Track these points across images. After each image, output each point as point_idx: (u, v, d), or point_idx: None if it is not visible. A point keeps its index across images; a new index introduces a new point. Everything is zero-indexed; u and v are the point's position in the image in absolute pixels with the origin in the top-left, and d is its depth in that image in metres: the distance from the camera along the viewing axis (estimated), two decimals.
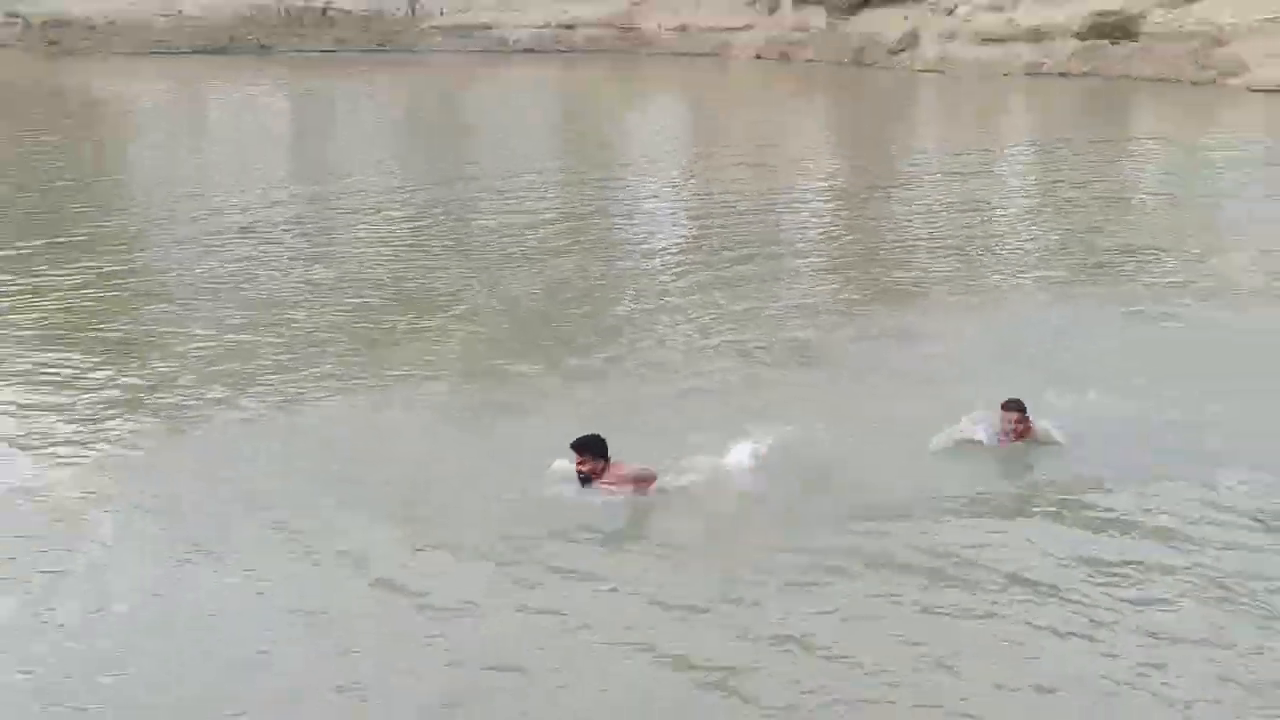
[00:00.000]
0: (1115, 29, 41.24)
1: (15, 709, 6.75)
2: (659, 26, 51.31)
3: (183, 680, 6.92)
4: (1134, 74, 39.90)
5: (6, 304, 15.73)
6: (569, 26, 52.53)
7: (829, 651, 7.04)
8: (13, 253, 18.63)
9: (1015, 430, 9.92)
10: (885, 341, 13.48)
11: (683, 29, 50.68)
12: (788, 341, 13.56)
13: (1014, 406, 9.91)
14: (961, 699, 6.52)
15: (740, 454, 9.58)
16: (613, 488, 9.18)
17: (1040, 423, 10.10)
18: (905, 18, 46.03)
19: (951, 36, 44.23)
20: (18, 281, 16.92)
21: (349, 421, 11.18)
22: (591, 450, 9.15)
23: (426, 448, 10.44)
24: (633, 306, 15.19)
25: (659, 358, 13.07)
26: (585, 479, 9.13)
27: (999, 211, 21.15)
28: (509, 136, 32.45)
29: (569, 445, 9.19)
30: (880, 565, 8.05)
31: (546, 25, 52.85)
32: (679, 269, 17.25)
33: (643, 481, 9.23)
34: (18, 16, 57.42)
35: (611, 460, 9.25)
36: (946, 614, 7.38)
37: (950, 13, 44.69)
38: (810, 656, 7.00)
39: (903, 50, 45.26)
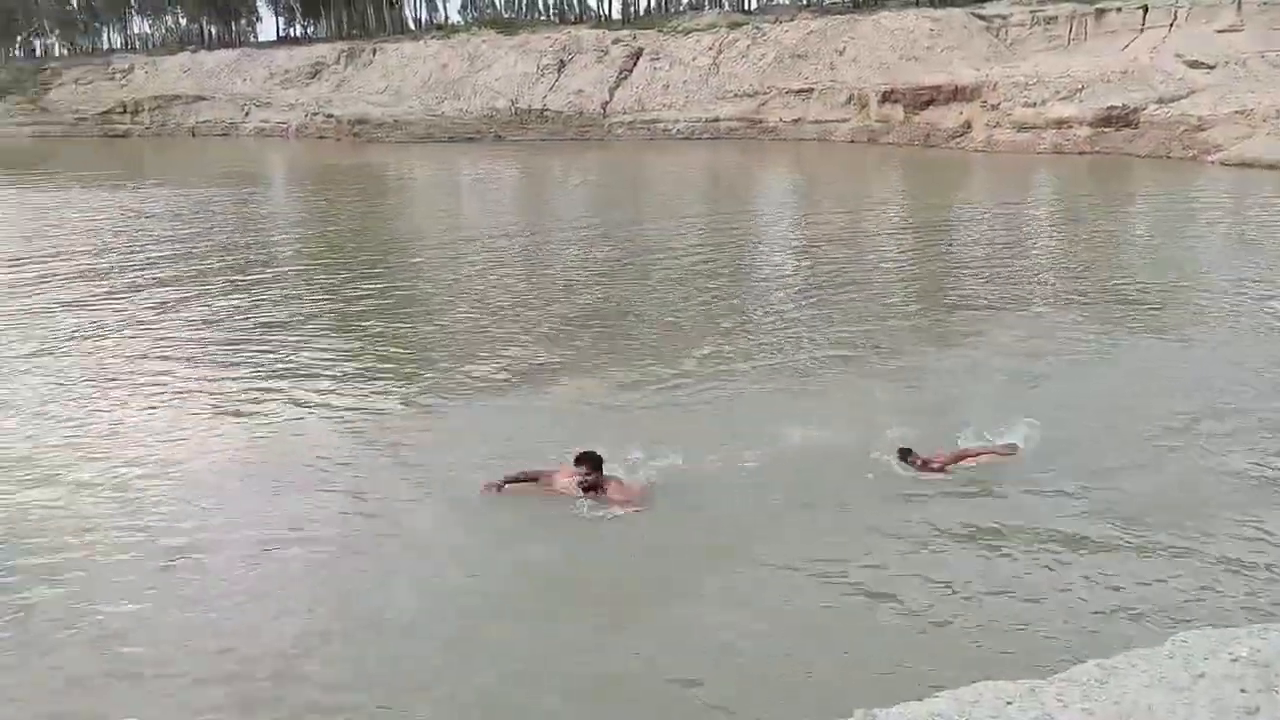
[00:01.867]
0: (1119, 119, 40.48)
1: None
2: (780, 119, 51.48)
3: None
4: (1133, 152, 38.93)
5: (318, 306, 16.65)
6: (714, 120, 53.02)
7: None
8: (323, 270, 19.69)
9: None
10: (930, 351, 12.89)
11: (797, 121, 50.85)
12: (838, 350, 12.90)
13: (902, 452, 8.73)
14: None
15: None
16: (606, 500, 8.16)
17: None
18: (960, 112, 45.62)
19: (996, 125, 43.73)
20: (329, 287, 18.11)
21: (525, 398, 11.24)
22: (590, 462, 8.24)
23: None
24: (742, 316, 14.88)
25: (743, 358, 12.60)
26: (589, 488, 8.16)
27: (1029, 247, 20.75)
28: (669, 192, 33.05)
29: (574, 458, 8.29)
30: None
31: (698, 120, 53.46)
32: (786, 288, 16.99)
33: (627, 504, 8.14)
34: (332, 116, 59.88)
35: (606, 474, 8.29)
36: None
37: (995, 108, 44.04)
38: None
39: (959, 135, 44.81)
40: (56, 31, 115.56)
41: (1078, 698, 3.13)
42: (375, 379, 12.19)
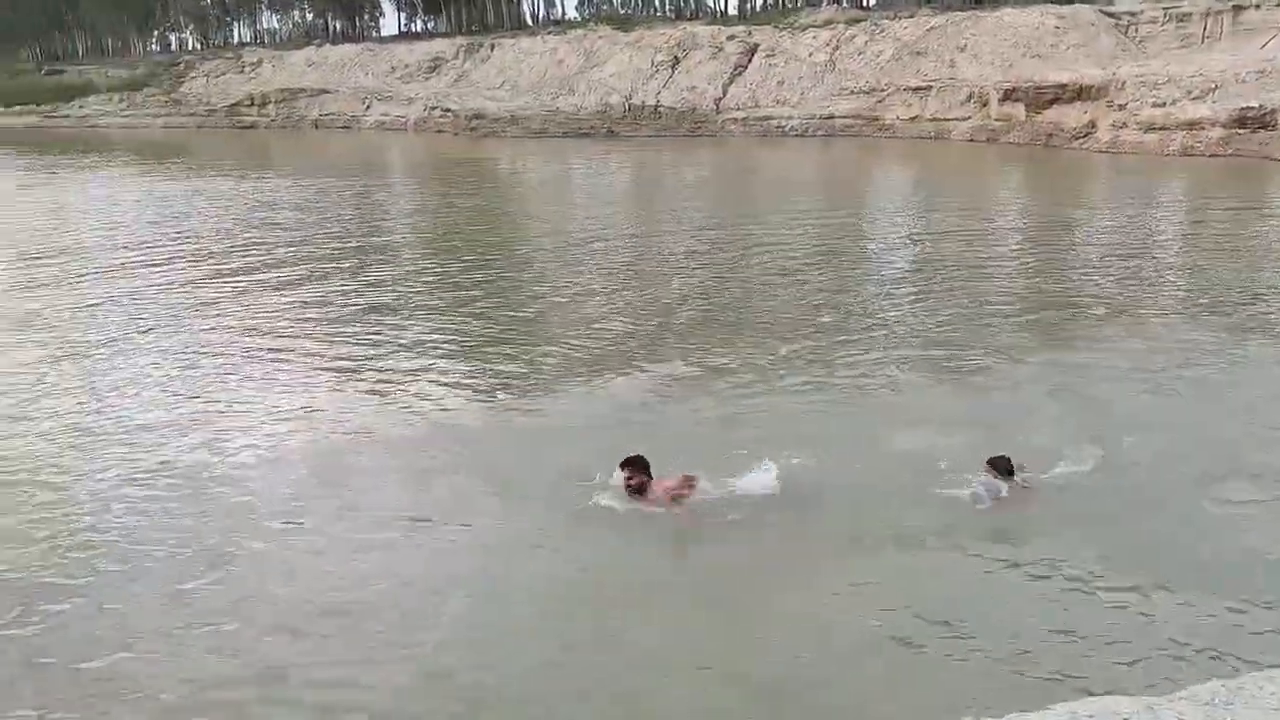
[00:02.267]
0: (1255, 120, 38.59)
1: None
2: (896, 117, 50.49)
3: None
4: (1271, 155, 37.14)
5: (440, 298, 17.18)
6: (829, 117, 52.22)
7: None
8: (437, 257, 20.00)
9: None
10: (1040, 356, 12.32)
11: (914, 119, 49.80)
12: (940, 351, 12.52)
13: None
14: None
15: (762, 477, 8.35)
16: (654, 504, 8.11)
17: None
18: (1085, 112, 44.12)
19: (1123, 125, 42.17)
20: (444, 275, 18.54)
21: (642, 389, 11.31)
22: (635, 466, 8.26)
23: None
24: (847, 313, 14.68)
25: (825, 357, 12.35)
26: (635, 491, 8.16)
27: (1152, 253, 19.65)
28: (783, 188, 32.73)
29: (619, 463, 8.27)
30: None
31: (812, 117, 52.73)
32: (892, 286, 16.77)
33: (679, 493, 8.15)
34: (450, 110, 60.81)
35: (654, 477, 8.25)
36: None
37: (1122, 108, 42.54)
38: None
39: (1083, 136, 43.36)
40: (190, 26, 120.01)
41: (1200, 718, 2.94)
42: (483, 365, 12.50)
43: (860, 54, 55.65)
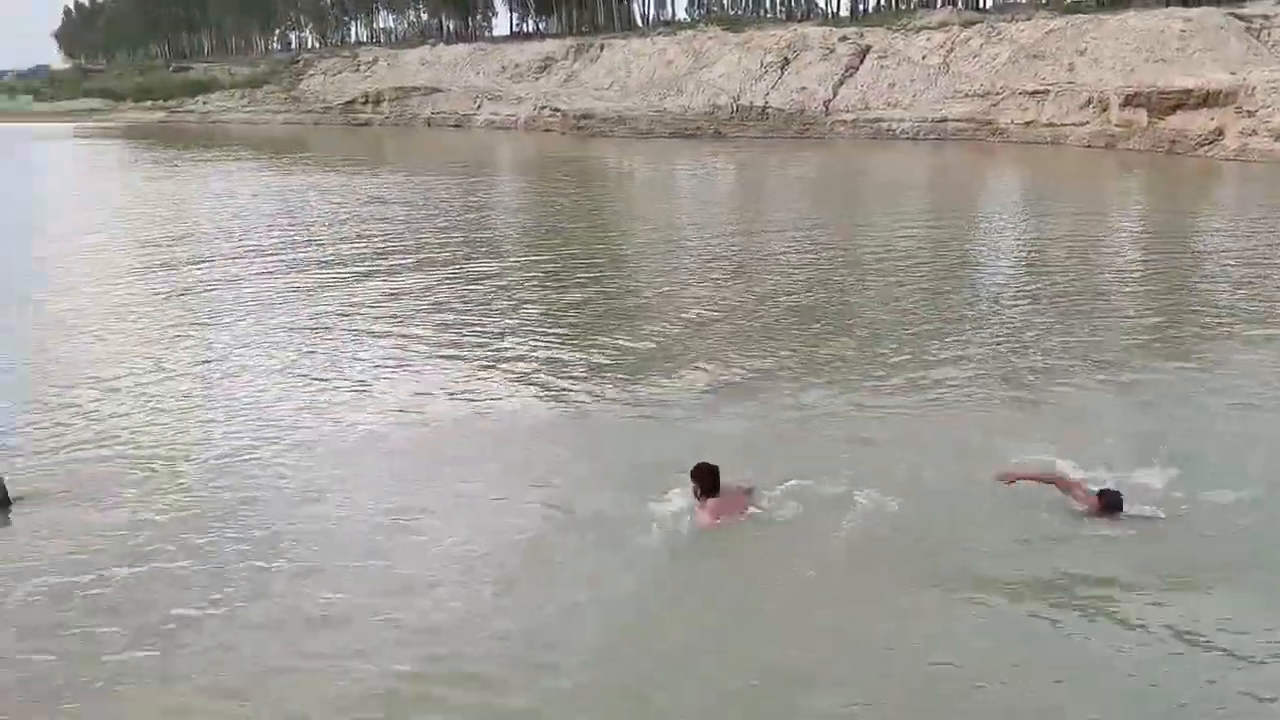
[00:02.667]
0: None
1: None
2: (1011, 121, 49.39)
3: None
4: None
5: (542, 291, 17.63)
6: (941, 120, 51.34)
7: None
8: (541, 254, 20.26)
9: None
10: (1154, 371, 11.75)
11: (1029, 124, 48.63)
12: (1051, 360, 12.09)
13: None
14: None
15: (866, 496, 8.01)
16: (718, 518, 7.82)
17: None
18: (1211, 118, 42.54)
19: (1252, 133, 40.54)
20: (545, 271, 18.69)
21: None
22: (697, 479, 7.97)
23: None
24: (936, 317, 14.33)
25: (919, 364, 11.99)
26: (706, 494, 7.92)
27: (1273, 263, 18.61)
28: (886, 191, 32.43)
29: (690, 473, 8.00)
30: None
31: (924, 120, 51.92)
32: (992, 289, 16.54)
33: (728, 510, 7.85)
34: (559, 110, 61.48)
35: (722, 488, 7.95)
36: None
37: (1251, 114, 40.95)
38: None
39: (1208, 143, 41.85)
40: (310, 25, 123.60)
41: None
42: (583, 357, 12.72)
43: (975, 56, 54.61)
